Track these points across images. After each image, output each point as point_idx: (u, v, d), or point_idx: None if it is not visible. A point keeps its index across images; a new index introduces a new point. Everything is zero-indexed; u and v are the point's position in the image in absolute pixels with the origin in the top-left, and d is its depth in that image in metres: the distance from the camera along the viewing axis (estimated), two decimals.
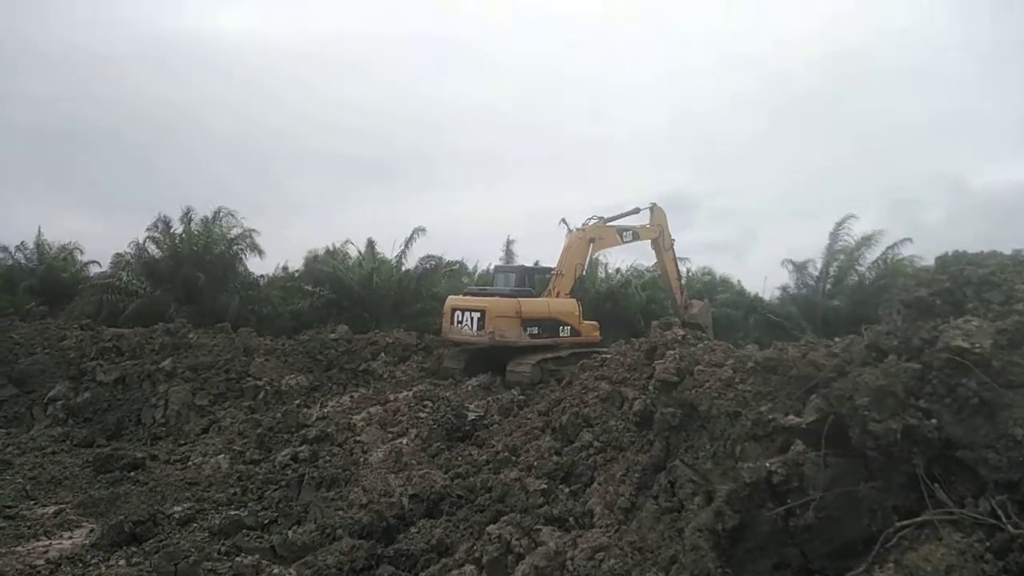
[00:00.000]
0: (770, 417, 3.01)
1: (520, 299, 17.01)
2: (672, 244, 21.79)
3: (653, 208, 21.08)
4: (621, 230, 20.17)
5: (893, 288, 28.64)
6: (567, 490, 5.09)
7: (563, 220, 32.34)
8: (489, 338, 16.30)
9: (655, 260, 27.78)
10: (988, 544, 2.58)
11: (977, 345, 2.59)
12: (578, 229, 20.05)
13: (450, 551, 4.75)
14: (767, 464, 2.92)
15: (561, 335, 17.76)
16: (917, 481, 2.71)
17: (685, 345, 6.10)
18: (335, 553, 4.81)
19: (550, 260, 20.56)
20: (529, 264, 23.27)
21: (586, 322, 19.00)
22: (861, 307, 28.37)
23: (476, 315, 16.65)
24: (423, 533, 5.11)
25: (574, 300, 18.72)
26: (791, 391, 3.35)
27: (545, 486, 5.06)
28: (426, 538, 4.96)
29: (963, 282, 2.95)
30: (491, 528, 4.08)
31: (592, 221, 20.00)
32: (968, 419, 2.67)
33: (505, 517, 4.21)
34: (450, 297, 18.73)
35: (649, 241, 21.16)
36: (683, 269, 33.79)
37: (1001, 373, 2.57)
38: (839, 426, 2.81)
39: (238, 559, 5.27)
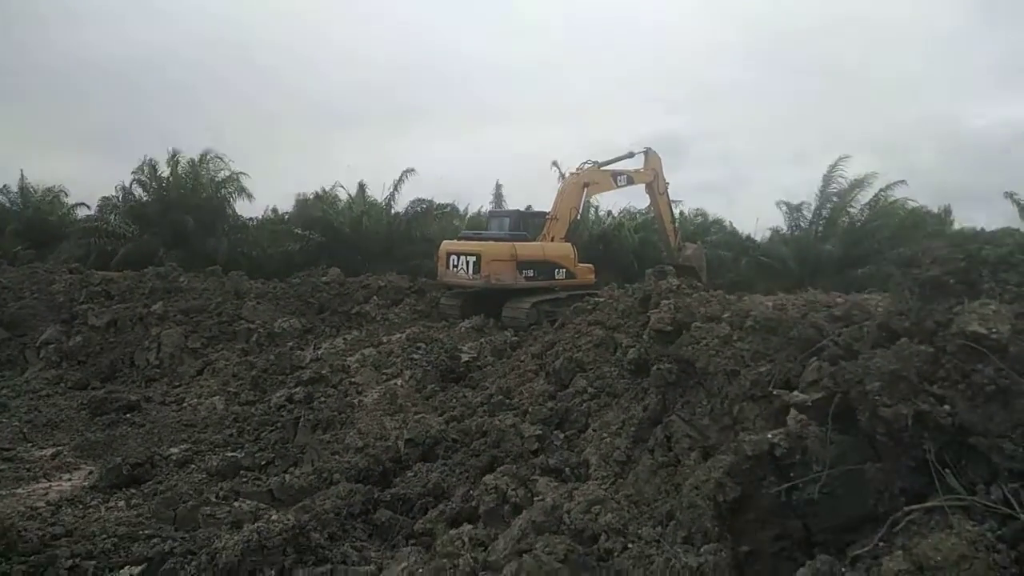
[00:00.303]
0: (774, 391, 2.96)
1: (515, 243, 17.03)
2: (666, 188, 21.76)
3: (648, 152, 20.99)
4: (615, 174, 20.12)
5: (884, 229, 28.82)
6: (562, 436, 5.14)
7: (555, 163, 32.20)
8: (485, 281, 16.45)
9: (648, 203, 27.71)
10: (1000, 533, 2.54)
11: (994, 330, 2.54)
12: (572, 173, 20.01)
13: (446, 495, 4.81)
14: (769, 436, 2.89)
15: (556, 278, 17.87)
16: (926, 465, 2.66)
17: (680, 295, 6.08)
18: (332, 497, 4.85)
19: (540, 204, 20.61)
20: (522, 208, 23.16)
21: (581, 265, 19.13)
22: (853, 249, 28.54)
23: (471, 259, 16.77)
24: (419, 477, 5.17)
25: (569, 244, 18.80)
26: (791, 353, 3.33)
27: (540, 432, 5.10)
28: (422, 482, 5.02)
29: (979, 261, 2.88)
30: (488, 478, 4.11)
31: (587, 165, 19.90)
32: (983, 406, 2.61)
33: (501, 468, 4.24)
34: (444, 241, 18.73)
35: (643, 185, 21.12)
36: (676, 211, 33.76)
37: (1018, 359, 2.52)
38: (846, 405, 2.77)
39: (236, 503, 5.32)
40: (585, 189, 19.52)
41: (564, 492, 3.63)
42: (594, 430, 4.93)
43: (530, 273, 16.98)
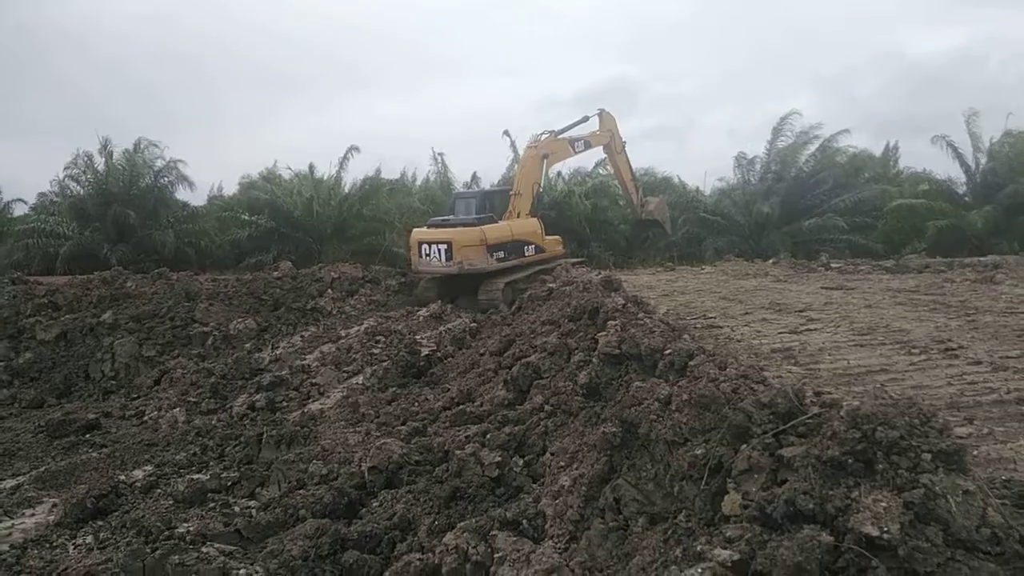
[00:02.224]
0: (697, 548, 3.10)
1: (483, 227, 17.62)
2: (624, 146, 22.28)
3: (602, 114, 21.43)
4: (572, 141, 20.63)
5: (827, 179, 29.45)
6: (521, 462, 5.30)
7: (506, 132, 32.39)
8: (458, 268, 17.15)
9: (595, 164, 27.82)
10: None
11: (886, 531, 2.69)
12: (530, 146, 20.39)
13: (412, 526, 4.95)
14: None
15: (527, 255, 18.68)
16: None
17: (626, 314, 6.25)
18: (299, 539, 4.94)
19: (489, 167, 21.15)
20: (487, 187, 23.39)
21: (548, 238, 19.98)
22: (799, 202, 29.17)
23: (443, 247, 17.47)
24: (385, 508, 5.28)
25: (535, 219, 19.51)
26: (724, 436, 3.49)
27: (499, 459, 5.25)
28: (388, 514, 5.13)
29: (874, 442, 3.03)
30: (448, 537, 4.23)
31: (544, 136, 20.26)
32: None
33: (461, 524, 4.36)
34: (415, 230, 19.25)
35: (601, 147, 21.51)
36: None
37: (908, 560, 2.68)
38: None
39: (205, 548, 5.37)
40: (544, 161, 19.94)
41: (522, 556, 3.76)
42: (552, 454, 5.09)
43: (500, 254, 17.65)
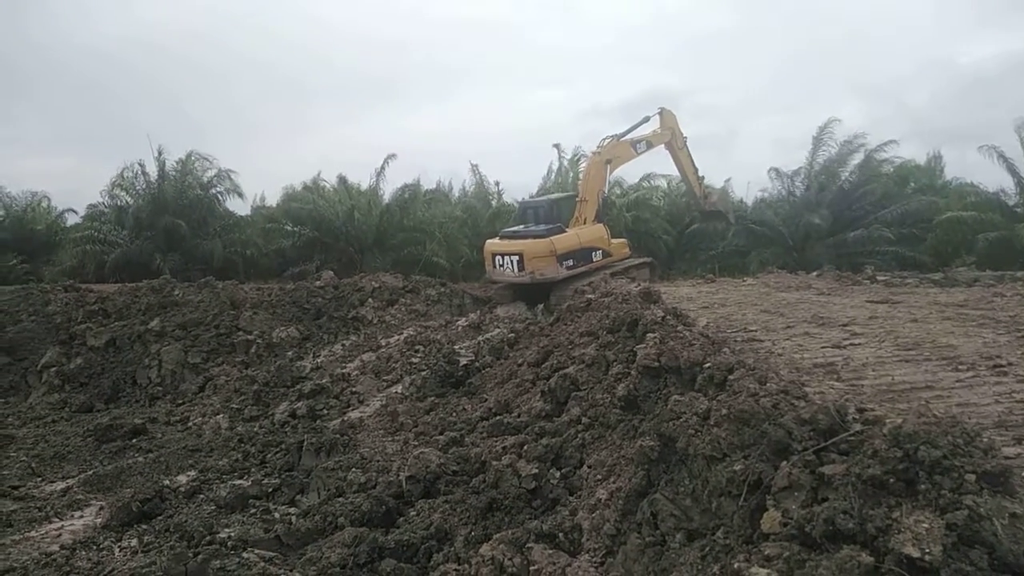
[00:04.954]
0: (735, 565, 3.07)
1: (552, 238, 18.24)
2: (685, 142, 22.45)
3: (662, 112, 21.86)
4: (634, 143, 21.11)
5: (873, 193, 28.84)
6: (558, 474, 5.29)
7: (556, 145, 32.90)
8: (530, 278, 17.97)
9: (643, 176, 27.97)
10: None
11: (927, 552, 2.64)
12: (594, 153, 20.84)
13: (449, 536, 4.97)
14: None
15: (595, 260, 19.24)
16: None
17: (664, 327, 6.21)
18: (338, 546, 4.99)
19: (524, 181, 22.08)
20: (557, 194, 23.56)
21: (615, 241, 20.60)
22: (844, 213, 28.60)
23: (515, 258, 18.31)
24: (422, 517, 5.32)
25: (600, 225, 20.00)
26: (763, 452, 3.45)
27: (536, 470, 5.25)
28: (425, 523, 5.17)
29: (916, 461, 2.96)
30: (484, 549, 4.25)
31: (606, 141, 20.61)
32: None
33: (497, 536, 4.37)
34: (488, 242, 20.13)
35: (662, 145, 21.76)
36: (663, 183, 33.86)
37: None
38: None
39: (245, 555, 5.46)
40: (607, 166, 20.32)
41: (558, 569, 3.76)
42: (589, 467, 5.08)
43: (570, 263, 18.34)
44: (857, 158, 29.46)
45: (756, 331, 10.88)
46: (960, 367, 8.00)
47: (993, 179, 28.01)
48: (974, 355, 8.48)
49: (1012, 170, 26.58)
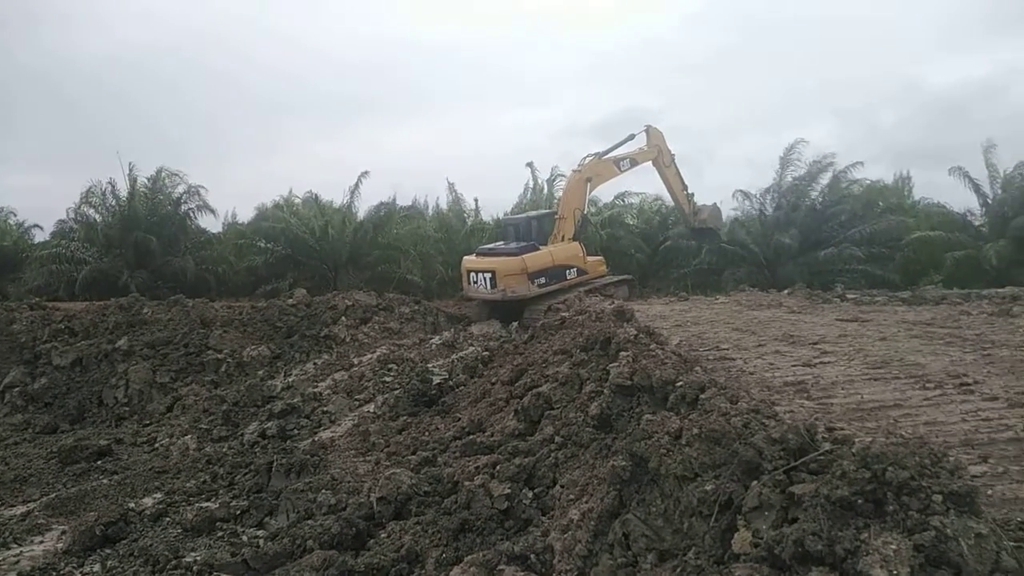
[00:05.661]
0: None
1: (524, 256, 18.51)
2: (673, 159, 22.52)
3: (649, 130, 21.90)
4: (618, 160, 21.17)
5: (842, 213, 29.29)
6: (531, 494, 5.26)
7: (529, 164, 33.05)
8: (502, 295, 18.21)
9: (617, 195, 28.16)
10: None
11: (895, 574, 2.66)
12: (574, 171, 20.88)
13: (420, 559, 4.90)
14: None
15: (568, 278, 19.37)
16: None
17: (638, 345, 6.23)
18: (306, 570, 4.90)
19: (503, 197, 22.34)
20: (535, 212, 23.63)
21: (591, 259, 20.79)
22: (813, 234, 28.98)
23: (488, 275, 18.57)
24: (392, 539, 5.25)
25: (576, 243, 20.28)
26: (734, 472, 3.46)
27: (509, 490, 5.21)
28: (395, 546, 5.10)
29: (884, 482, 3.00)
30: (455, 572, 4.20)
31: (588, 159, 20.66)
32: None
33: (468, 558, 4.32)
34: (465, 259, 20.45)
35: (649, 162, 22.03)
36: (637, 199, 34.08)
37: None
38: None
39: None
40: (587, 184, 20.43)
41: None
42: (562, 486, 5.06)
43: (542, 280, 18.53)
44: (825, 178, 29.95)
45: (728, 349, 10.95)
46: (928, 385, 8.10)
47: (960, 200, 28.63)
48: (941, 373, 8.60)
49: (979, 191, 27.22)
